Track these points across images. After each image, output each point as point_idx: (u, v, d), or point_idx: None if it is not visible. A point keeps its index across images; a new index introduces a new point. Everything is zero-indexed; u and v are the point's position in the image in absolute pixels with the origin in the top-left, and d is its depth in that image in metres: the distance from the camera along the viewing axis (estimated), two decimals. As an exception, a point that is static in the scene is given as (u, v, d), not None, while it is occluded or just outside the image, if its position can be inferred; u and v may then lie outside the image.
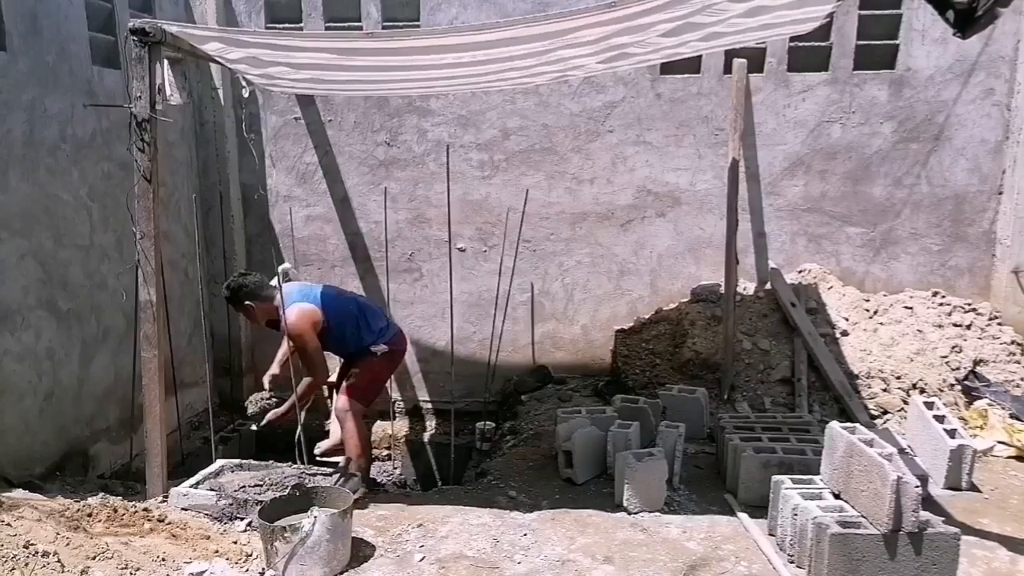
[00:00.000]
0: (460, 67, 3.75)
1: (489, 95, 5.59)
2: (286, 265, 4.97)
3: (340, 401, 4.49)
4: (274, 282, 4.49)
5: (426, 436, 6.07)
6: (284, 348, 4.83)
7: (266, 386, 4.85)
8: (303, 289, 4.51)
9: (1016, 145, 5.29)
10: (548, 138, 5.65)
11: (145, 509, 3.59)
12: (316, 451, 4.72)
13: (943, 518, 3.22)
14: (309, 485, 3.76)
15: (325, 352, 4.40)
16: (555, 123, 5.63)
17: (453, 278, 5.76)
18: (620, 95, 5.55)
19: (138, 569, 2.99)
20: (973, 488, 4.04)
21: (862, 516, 3.12)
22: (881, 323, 5.38)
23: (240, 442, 5.60)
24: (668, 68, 5.45)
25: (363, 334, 4.49)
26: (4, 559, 2.68)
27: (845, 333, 5.35)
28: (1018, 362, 5.11)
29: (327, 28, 5.56)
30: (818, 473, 3.51)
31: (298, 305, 4.33)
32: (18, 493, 3.59)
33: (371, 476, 5.04)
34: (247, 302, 4.34)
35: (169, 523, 3.51)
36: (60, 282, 4.36)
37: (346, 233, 5.96)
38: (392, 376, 5.15)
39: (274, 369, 4.86)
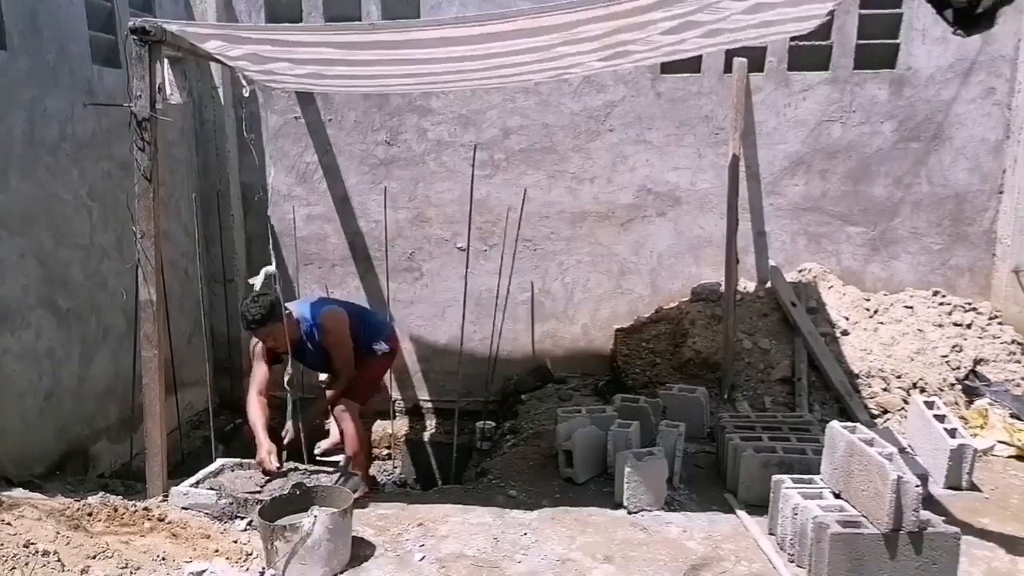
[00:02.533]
0: (461, 62, 3.75)
1: (489, 94, 5.59)
2: (271, 268, 4.75)
3: (340, 401, 4.49)
4: (255, 281, 4.44)
5: (426, 435, 6.06)
6: (258, 409, 4.11)
7: (272, 465, 3.93)
8: (302, 302, 4.53)
9: (1016, 144, 5.29)
10: (548, 137, 5.65)
11: (145, 508, 3.59)
12: (316, 451, 4.72)
13: (943, 518, 3.22)
14: (310, 484, 3.76)
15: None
16: (555, 122, 5.62)
17: (453, 277, 5.77)
18: (620, 94, 5.54)
19: (138, 568, 2.99)
20: (973, 488, 4.04)
21: (862, 515, 3.12)
22: (881, 322, 5.37)
23: (241, 442, 5.59)
24: (668, 67, 5.44)
25: (367, 334, 4.51)
26: (4, 558, 2.68)
27: (845, 332, 5.34)
28: (1018, 361, 5.11)
29: (327, 27, 5.56)
30: (818, 472, 3.51)
31: (329, 310, 4.34)
32: (18, 492, 3.59)
33: (371, 475, 5.05)
34: (277, 321, 4.05)
35: (169, 522, 3.51)
36: (60, 281, 4.36)
37: (346, 232, 5.96)
38: (389, 374, 5.15)
39: (267, 445, 3.94)
